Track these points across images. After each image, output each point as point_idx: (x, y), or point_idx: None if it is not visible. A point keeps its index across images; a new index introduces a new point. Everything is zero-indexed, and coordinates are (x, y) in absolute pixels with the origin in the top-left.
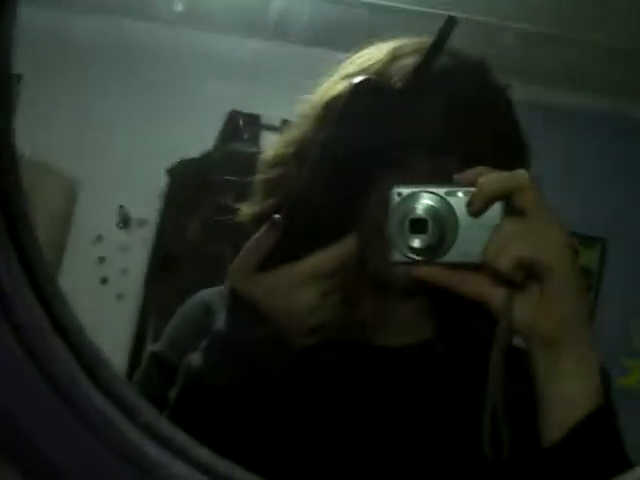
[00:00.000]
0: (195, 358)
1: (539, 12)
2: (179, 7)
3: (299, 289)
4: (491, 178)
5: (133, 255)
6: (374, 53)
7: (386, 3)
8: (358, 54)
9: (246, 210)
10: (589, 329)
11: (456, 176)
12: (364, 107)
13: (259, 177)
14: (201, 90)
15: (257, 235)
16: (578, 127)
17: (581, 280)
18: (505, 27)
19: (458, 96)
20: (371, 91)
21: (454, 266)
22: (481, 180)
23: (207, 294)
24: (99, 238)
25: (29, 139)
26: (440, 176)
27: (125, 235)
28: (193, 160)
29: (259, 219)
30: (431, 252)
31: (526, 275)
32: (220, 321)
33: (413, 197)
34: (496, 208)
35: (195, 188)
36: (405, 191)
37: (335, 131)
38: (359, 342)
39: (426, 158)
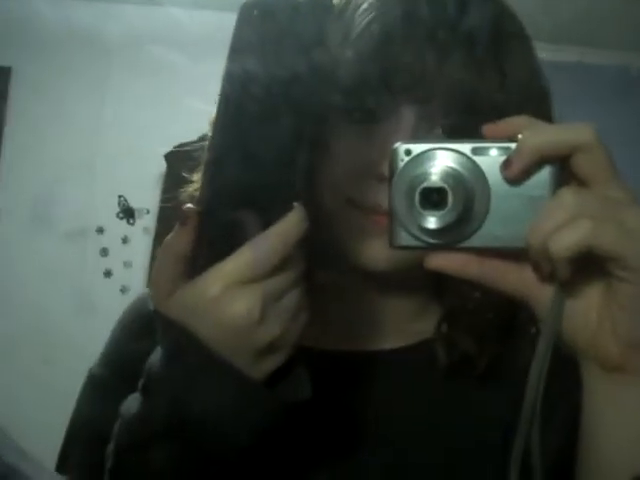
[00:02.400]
0: (132, 404)
1: None
2: None
3: (233, 297)
4: (540, 131)
5: (136, 246)
6: None
7: None
8: None
9: (192, 187)
10: None
11: (487, 127)
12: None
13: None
14: (194, 71)
15: (170, 235)
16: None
17: None
18: None
19: (445, 15)
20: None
21: (484, 252)
22: (525, 133)
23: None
24: (100, 230)
25: (20, 130)
26: (423, 127)
27: (126, 226)
28: (190, 144)
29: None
30: (452, 233)
31: (587, 270)
32: (156, 352)
33: (425, 157)
34: (545, 174)
35: (194, 172)
36: (416, 148)
37: (233, 64)
38: (332, 350)
39: (406, 108)
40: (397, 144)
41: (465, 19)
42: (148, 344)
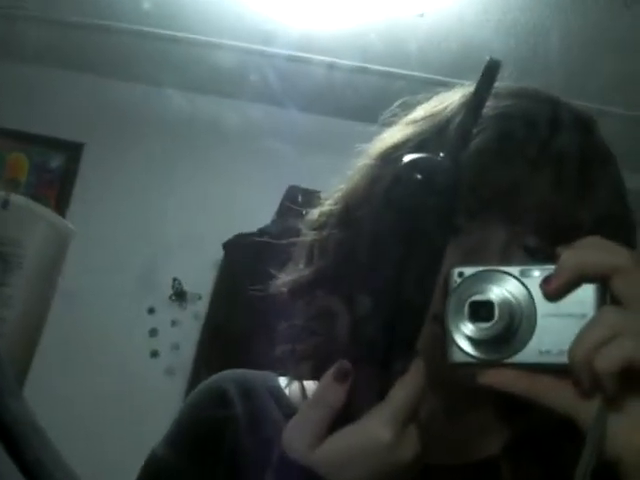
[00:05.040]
0: None
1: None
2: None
3: (403, 440)
4: (578, 253)
5: (185, 329)
6: (447, 97)
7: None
8: (434, 99)
9: (282, 280)
10: None
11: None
12: (412, 188)
13: (300, 241)
14: (260, 165)
15: (320, 390)
16: None
17: None
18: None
19: (536, 137)
20: (418, 171)
21: (532, 368)
22: (565, 255)
23: (222, 379)
24: (151, 310)
25: (87, 208)
26: (515, 248)
27: (178, 308)
28: (250, 235)
29: (297, 289)
30: (501, 349)
31: (632, 387)
32: None
33: (477, 278)
34: (588, 293)
35: (250, 263)
36: (468, 271)
37: (382, 220)
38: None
39: (498, 226)
40: (452, 269)
41: (554, 143)
42: (219, 413)
